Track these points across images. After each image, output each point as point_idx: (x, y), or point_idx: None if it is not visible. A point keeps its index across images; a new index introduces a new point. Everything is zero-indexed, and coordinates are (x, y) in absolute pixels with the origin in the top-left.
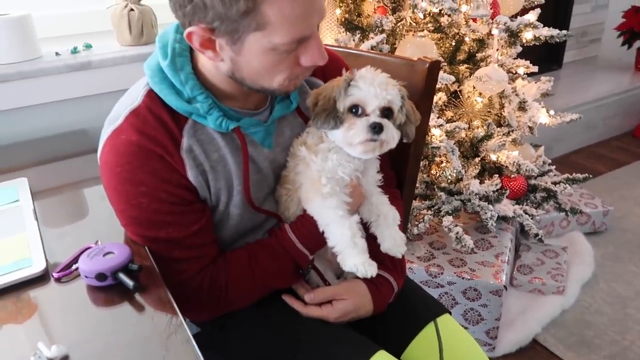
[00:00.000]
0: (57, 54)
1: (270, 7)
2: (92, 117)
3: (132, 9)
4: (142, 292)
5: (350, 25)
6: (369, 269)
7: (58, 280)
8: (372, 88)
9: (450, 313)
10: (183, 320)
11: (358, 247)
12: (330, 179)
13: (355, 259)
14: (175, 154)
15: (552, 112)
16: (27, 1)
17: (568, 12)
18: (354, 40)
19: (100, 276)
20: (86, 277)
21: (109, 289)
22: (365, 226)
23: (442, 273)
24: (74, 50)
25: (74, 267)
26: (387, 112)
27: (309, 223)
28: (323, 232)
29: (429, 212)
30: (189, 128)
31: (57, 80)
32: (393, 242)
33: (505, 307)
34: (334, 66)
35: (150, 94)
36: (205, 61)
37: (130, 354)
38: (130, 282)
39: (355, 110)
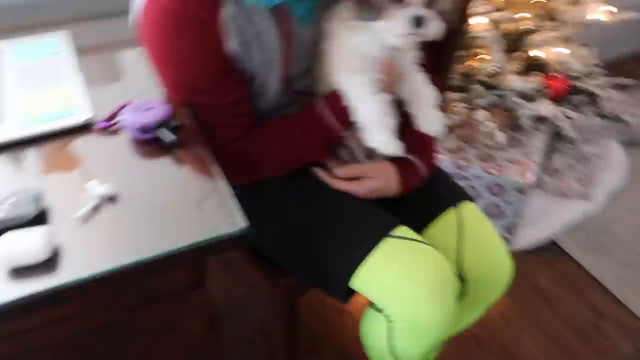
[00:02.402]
0: None
1: None
2: None
3: None
4: (182, 148)
5: None
6: (393, 146)
7: (102, 130)
8: None
9: (473, 201)
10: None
11: (383, 123)
12: (360, 55)
13: (380, 136)
14: (215, 21)
15: (612, 8)
16: None
17: None
18: None
19: (143, 129)
20: (130, 129)
21: (150, 143)
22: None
23: (469, 166)
24: None
25: (116, 119)
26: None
27: (342, 97)
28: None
29: (463, 105)
30: None
31: None
32: (428, 119)
33: (529, 205)
34: None
35: None
36: None
37: (168, 201)
38: (171, 136)
39: None
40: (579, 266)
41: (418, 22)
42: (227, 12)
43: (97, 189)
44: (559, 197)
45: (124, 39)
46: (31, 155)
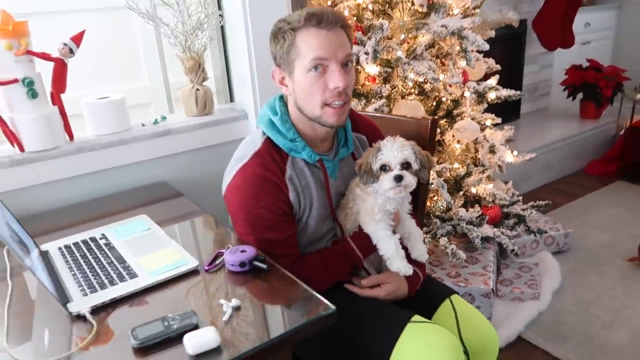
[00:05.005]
0: (142, 124)
1: (301, 40)
2: (170, 172)
3: (197, 89)
4: (269, 273)
5: (354, 92)
6: (408, 269)
7: (207, 271)
8: (392, 152)
9: (458, 294)
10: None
11: (400, 255)
12: (380, 210)
13: (399, 263)
14: (282, 181)
15: (515, 152)
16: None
17: (520, 71)
18: (360, 105)
19: (242, 264)
20: (232, 265)
21: (245, 274)
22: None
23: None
24: (155, 122)
25: (217, 261)
26: (406, 164)
27: (365, 237)
28: (375, 245)
29: (428, 236)
30: (290, 163)
31: (144, 145)
32: (420, 252)
33: (494, 312)
34: (372, 129)
35: (266, 141)
36: (295, 117)
37: (274, 307)
38: (264, 266)
39: (384, 167)
40: (546, 353)
41: (398, 179)
42: (287, 174)
43: (229, 303)
44: (516, 301)
45: (174, 217)
46: (165, 294)
